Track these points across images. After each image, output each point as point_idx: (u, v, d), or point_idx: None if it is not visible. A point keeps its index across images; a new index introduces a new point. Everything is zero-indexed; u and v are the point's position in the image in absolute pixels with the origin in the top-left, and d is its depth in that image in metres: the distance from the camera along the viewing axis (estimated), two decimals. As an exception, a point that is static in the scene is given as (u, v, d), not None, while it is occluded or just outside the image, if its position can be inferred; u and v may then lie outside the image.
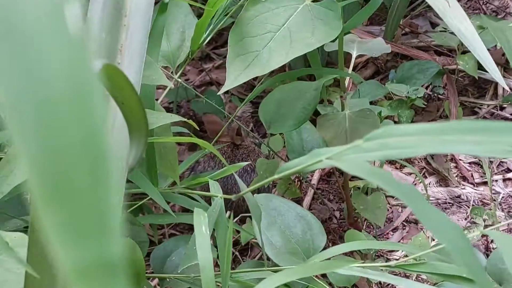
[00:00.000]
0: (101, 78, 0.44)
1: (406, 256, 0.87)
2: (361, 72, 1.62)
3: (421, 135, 0.53)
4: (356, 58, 1.65)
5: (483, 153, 0.50)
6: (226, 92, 1.62)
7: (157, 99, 1.00)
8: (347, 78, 1.16)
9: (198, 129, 1.54)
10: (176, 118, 0.80)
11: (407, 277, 1.11)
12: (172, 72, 1.07)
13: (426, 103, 1.52)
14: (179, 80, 1.06)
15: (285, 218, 1.00)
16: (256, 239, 1.04)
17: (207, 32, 1.08)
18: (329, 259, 1.05)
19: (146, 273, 1.15)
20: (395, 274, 1.07)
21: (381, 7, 1.77)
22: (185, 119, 0.80)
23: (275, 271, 0.86)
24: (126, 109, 0.52)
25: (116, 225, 0.23)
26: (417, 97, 1.36)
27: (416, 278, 1.13)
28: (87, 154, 0.24)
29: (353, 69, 1.64)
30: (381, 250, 1.24)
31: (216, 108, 1.47)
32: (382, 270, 0.79)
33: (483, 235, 1.25)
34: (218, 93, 0.92)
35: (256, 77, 1.58)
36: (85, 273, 0.23)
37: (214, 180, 0.83)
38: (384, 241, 1.03)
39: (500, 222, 1.28)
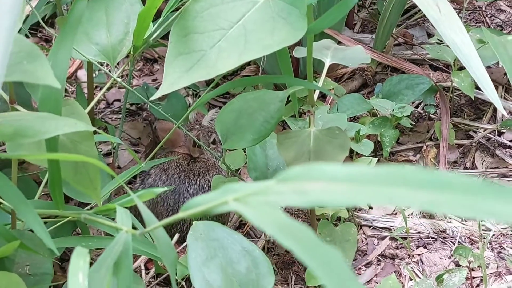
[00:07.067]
0: None
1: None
2: (347, 84, 1.45)
3: (355, 183, 0.36)
4: (341, 68, 1.49)
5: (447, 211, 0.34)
6: (194, 95, 1.46)
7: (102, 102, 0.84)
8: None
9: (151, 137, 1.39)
10: (82, 127, 0.64)
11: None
12: (110, 70, 0.91)
13: (415, 123, 1.36)
14: (118, 79, 0.90)
15: (228, 253, 0.83)
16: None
17: (156, 25, 0.92)
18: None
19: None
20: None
21: (375, 13, 1.60)
22: (95, 128, 0.64)
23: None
24: None
25: None
26: (403, 115, 1.20)
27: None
28: None
29: (338, 81, 1.47)
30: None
31: (179, 113, 1.31)
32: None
33: (467, 278, 1.08)
34: (150, 98, 0.76)
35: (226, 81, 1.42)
36: None
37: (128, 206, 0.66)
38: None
39: (487, 265, 1.11)
